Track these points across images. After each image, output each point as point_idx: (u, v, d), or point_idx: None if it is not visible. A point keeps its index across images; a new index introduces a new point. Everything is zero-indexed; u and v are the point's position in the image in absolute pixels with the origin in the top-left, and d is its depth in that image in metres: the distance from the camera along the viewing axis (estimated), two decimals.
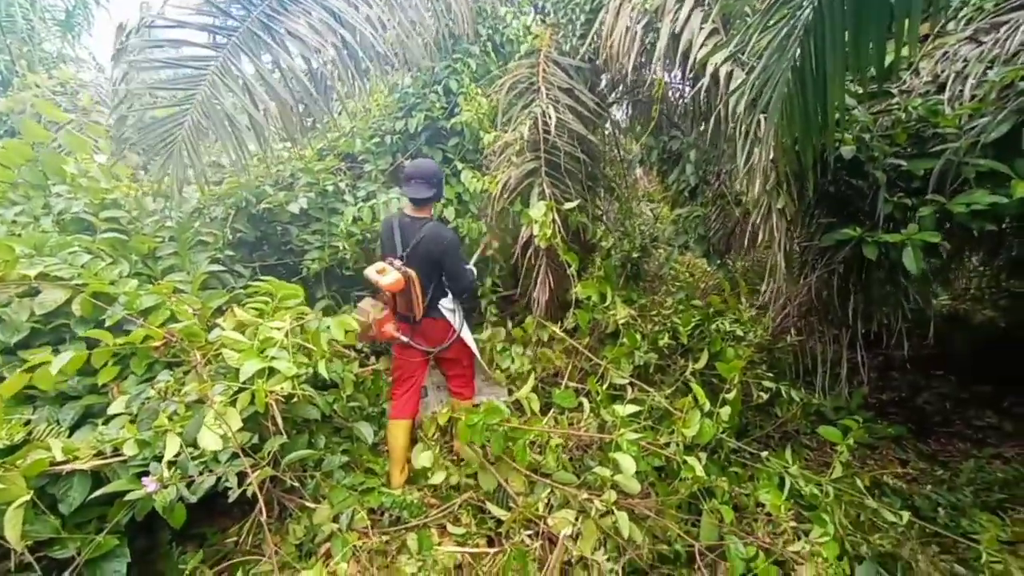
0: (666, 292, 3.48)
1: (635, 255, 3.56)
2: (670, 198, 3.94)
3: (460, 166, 4.02)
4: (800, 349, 3.07)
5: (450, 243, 2.52)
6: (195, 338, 2.24)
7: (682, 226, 3.68)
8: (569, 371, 3.19)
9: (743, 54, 2.45)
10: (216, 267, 2.89)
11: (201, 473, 1.67)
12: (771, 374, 2.92)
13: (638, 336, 3.06)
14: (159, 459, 1.68)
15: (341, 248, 3.55)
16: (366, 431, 2.64)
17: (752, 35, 2.07)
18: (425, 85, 4.34)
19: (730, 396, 2.50)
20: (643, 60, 3.60)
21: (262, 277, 2.62)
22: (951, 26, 3.07)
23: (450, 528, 2.38)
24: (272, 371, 2.01)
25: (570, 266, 3.18)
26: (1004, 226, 2.96)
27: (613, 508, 1.97)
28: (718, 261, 3.62)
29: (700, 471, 1.99)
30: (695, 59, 2.46)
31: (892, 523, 2.09)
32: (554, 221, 3.20)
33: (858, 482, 2.21)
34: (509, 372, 3.26)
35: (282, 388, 1.96)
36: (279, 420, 1.92)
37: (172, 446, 1.60)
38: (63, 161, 3.29)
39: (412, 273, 2.40)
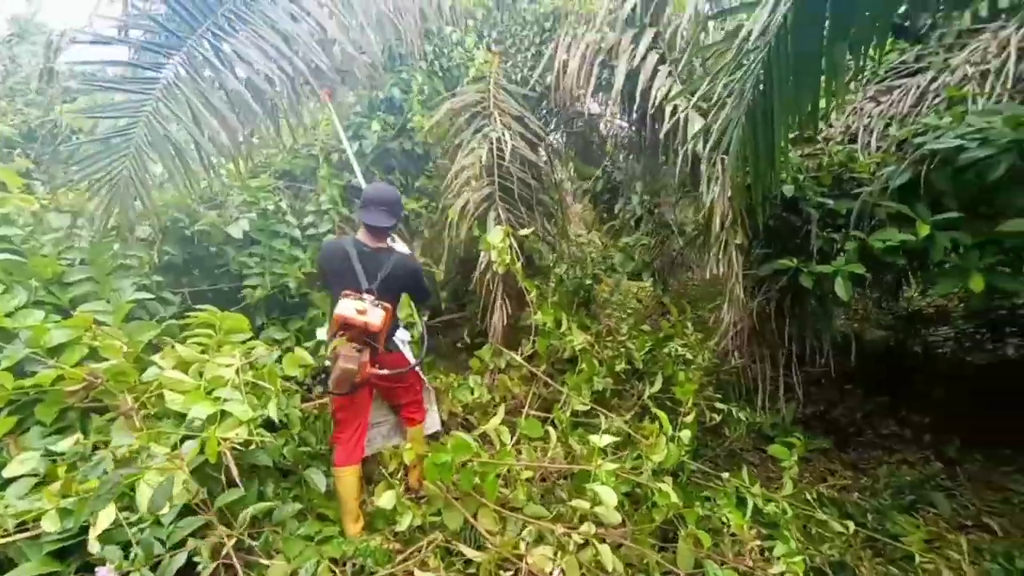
0: (618, 319, 3.60)
1: (587, 282, 3.66)
2: (616, 226, 4.13)
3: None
4: (741, 370, 3.29)
5: (419, 271, 2.51)
6: (123, 378, 1.94)
7: (628, 254, 3.85)
8: (529, 399, 3.16)
9: (693, 95, 2.64)
10: (143, 295, 2.55)
11: (138, 542, 1.42)
12: (719, 395, 3.10)
13: (595, 362, 3.12)
14: (85, 529, 1.41)
15: (284, 273, 3.29)
16: (318, 479, 2.41)
17: (715, 80, 2.24)
18: (372, 105, 4.22)
19: (688, 419, 2.62)
20: (584, 93, 3.78)
21: (194, 305, 2.35)
22: (852, 85, 3.54)
23: (418, 573, 2.22)
24: (223, 415, 1.80)
25: (529, 292, 3.20)
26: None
27: (593, 541, 1.95)
28: (662, 287, 3.82)
29: (674, 497, 2.04)
30: (655, 99, 2.62)
31: (839, 533, 2.27)
32: (511, 247, 3.21)
33: (807, 496, 2.38)
34: (467, 404, 3.18)
35: (236, 434, 1.74)
36: (234, 470, 1.69)
37: (106, 514, 1.35)
38: None
39: (389, 307, 2.24)
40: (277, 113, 3.41)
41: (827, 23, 2.14)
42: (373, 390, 2.56)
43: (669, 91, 2.58)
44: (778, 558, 2.06)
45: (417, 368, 2.70)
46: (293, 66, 3.13)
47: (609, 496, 1.91)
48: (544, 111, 5.01)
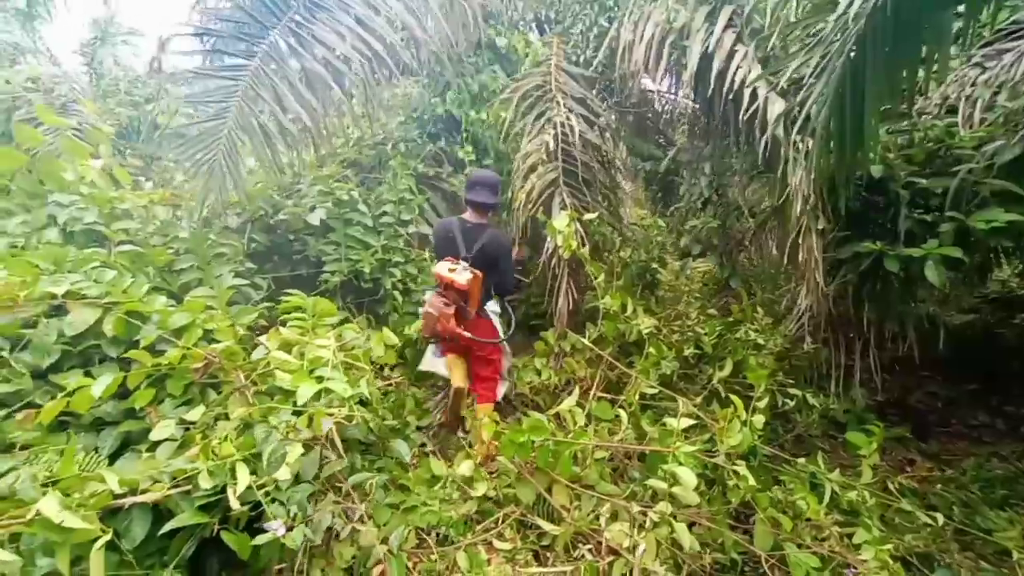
0: (686, 303, 3.56)
1: (653, 265, 3.63)
2: (683, 208, 4.04)
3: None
4: (814, 355, 3.19)
5: (508, 247, 2.82)
6: (235, 358, 2.16)
7: (695, 236, 3.78)
8: (596, 382, 3.22)
9: (775, 76, 2.53)
10: (240, 281, 2.79)
11: (271, 502, 1.61)
12: (791, 381, 3.03)
13: (663, 346, 3.12)
14: (222, 488, 1.62)
15: (359, 260, 3.49)
16: (403, 448, 2.60)
17: (809, 57, 2.14)
18: (436, 94, 4.31)
19: (761, 404, 2.58)
20: (651, 74, 3.68)
21: (278, 290, 2.59)
22: (952, 50, 3.25)
23: (496, 544, 2.37)
24: (325, 392, 1.97)
25: (596, 277, 3.22)
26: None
27: (670, 520, 2.01)
28: (731, 270, 3.72)
29: (752, 480, 2.05)
30: (732, 81, 2.53)
31: (924, 524, 2.21)
32: (577, 232, 3.23)
33: (889, 485, 2.32)
34: (534, 385, 3.27)
35: (339, 411, 1.92)
36: (339, 444, 1.87)
37: (243, 477, 1.54)
38: (60, 167, 3.10)
39: (480, 274, 2.56)
40: (355, 94, 3.56)
41: None
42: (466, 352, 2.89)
43: (748, 72, 2.48)
44: (857, 547, 2.04)
45: (501, 346, 2.98)
46: (369, 47, 3.25)
47: (689, 477, 1.96)
48: (599, 90, 4.92)
